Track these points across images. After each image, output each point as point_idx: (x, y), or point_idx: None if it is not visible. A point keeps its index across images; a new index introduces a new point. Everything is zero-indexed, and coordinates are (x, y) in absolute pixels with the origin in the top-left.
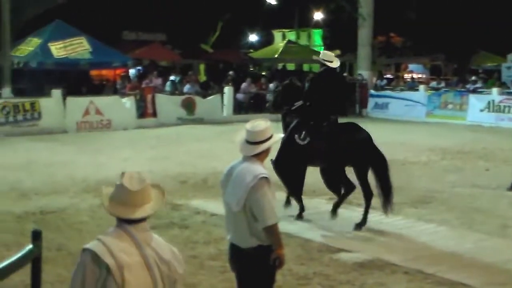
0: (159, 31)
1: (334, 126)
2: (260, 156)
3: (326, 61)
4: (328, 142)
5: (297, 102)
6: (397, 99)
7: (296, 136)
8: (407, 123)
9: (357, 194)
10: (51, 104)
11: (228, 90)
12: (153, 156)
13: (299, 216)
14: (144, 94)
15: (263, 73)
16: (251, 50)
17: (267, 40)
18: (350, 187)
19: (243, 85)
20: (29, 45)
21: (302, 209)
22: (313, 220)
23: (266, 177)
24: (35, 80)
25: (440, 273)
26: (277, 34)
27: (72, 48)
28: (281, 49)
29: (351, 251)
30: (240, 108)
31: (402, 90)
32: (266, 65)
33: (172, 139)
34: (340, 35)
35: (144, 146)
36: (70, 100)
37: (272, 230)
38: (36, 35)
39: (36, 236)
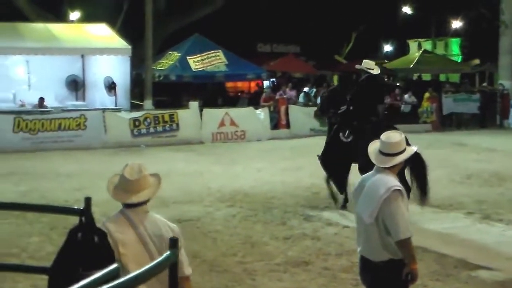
0: (293, 43)
1: (375, 126)
2: (393, 169)
3: (368, 69)
4: (370, 140)
5: (341, 105)
6: None
7: (341, 134)
8: None
9: (499, 210)
10: (189, 116)
11: None
12: (286, 167)
13: (344, 207)
14: (278, 106)
15: (398, 84)
16: (386, 61)
17: (402, 50)
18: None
19: None
20: (169, 59)
21: (346, 200)
22: (450, 234)
23: (399, 190)
24: (174, 92)
25: None
26: (413, 44)
27: (209, 61)
28: (416, 59)
29: (491, 269)
30: None
31: None
32: (400, 76)
33: (305, 150)
34: (479, 44)
35: (277, 157)
36: (206, 111)
37: (405, 244)
38: (176, 49)
39: (173, 243)
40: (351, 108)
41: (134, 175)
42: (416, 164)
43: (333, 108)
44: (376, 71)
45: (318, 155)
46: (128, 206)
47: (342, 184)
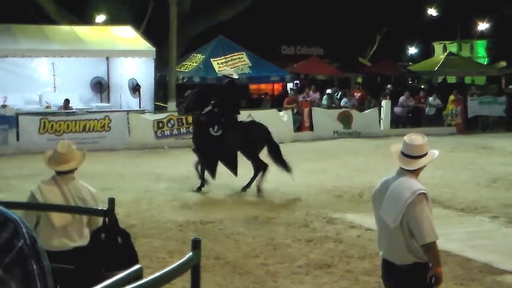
0: (317, 45)
1: (240, 122)
2: (416, 172)
3: (230, 74)
4: (235, 133)
5: (205, 106)
6: None
7: (211, 129)
8: None
9: None
10: None
11: (385, 103)
12: (309, 169)
13: (199, 190)
14: (301, 108)
15: (422, 86)
16: (410, 63)
17: (426, 53)
18: (265, 166)
19: (401, 98)
20: (193, 61)
21: (203, 185)
22: (475, 238)
23: (424, 193)
24: None
25: None
26: (438, 46)
27: (232, 63)
28: (441, 61)
29: None
30: (398, 122)
31: None
32: (425, 78)
33: (328, 152)
34: (506, 46)
35: (300, 159)
36: None
37: (431, 248)
38: (200, 51)
39: (196, 245)
40: (217, 108)
41: (64, 149)
42: (272, 146)
43: (199, 108)
44: (235, 76)
45: (192, 149)
46: (59, 173)
47: (213, 171)
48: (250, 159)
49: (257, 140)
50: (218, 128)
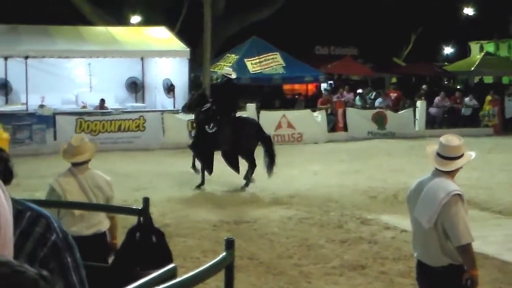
0: (351, 45)
1: (235, 119)
2: (452, 173)
3: (228, 74)
4: (231, 131)
5: (205, 105)
6: None
7: (206, 127)
8: None
9: None
10: None
11: (420, 104)
12: (343, 170)
13: (199, 187)
14: (335, 108)
15: (458, 87)
16: (446, 63)
17: (462, 52)
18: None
19: (437, 99)
20: (227, 61)
21: (203, 183)
22: None
23: (459, 194)
24: None
25: None
26: (474, 46)
27: (266, 63)
28: (478, 61)
29: None
30: (433, 122)
31: None
32: (461, 78)
33: (363, 153)
34: None
35: (334, 160)
36: (264, 113)
37: (466, 250)
38: (233, 51)
39: (229, 245)
40: (214, 106)
41: (77, 142)
42: (266, 142)
43: (199, 107)
44: (234, 75)
45: (188, 145)
46: (74, 165)
47: (209, 167)
48: (244, 156)
49: (249, 138)
50: (213, 126)
